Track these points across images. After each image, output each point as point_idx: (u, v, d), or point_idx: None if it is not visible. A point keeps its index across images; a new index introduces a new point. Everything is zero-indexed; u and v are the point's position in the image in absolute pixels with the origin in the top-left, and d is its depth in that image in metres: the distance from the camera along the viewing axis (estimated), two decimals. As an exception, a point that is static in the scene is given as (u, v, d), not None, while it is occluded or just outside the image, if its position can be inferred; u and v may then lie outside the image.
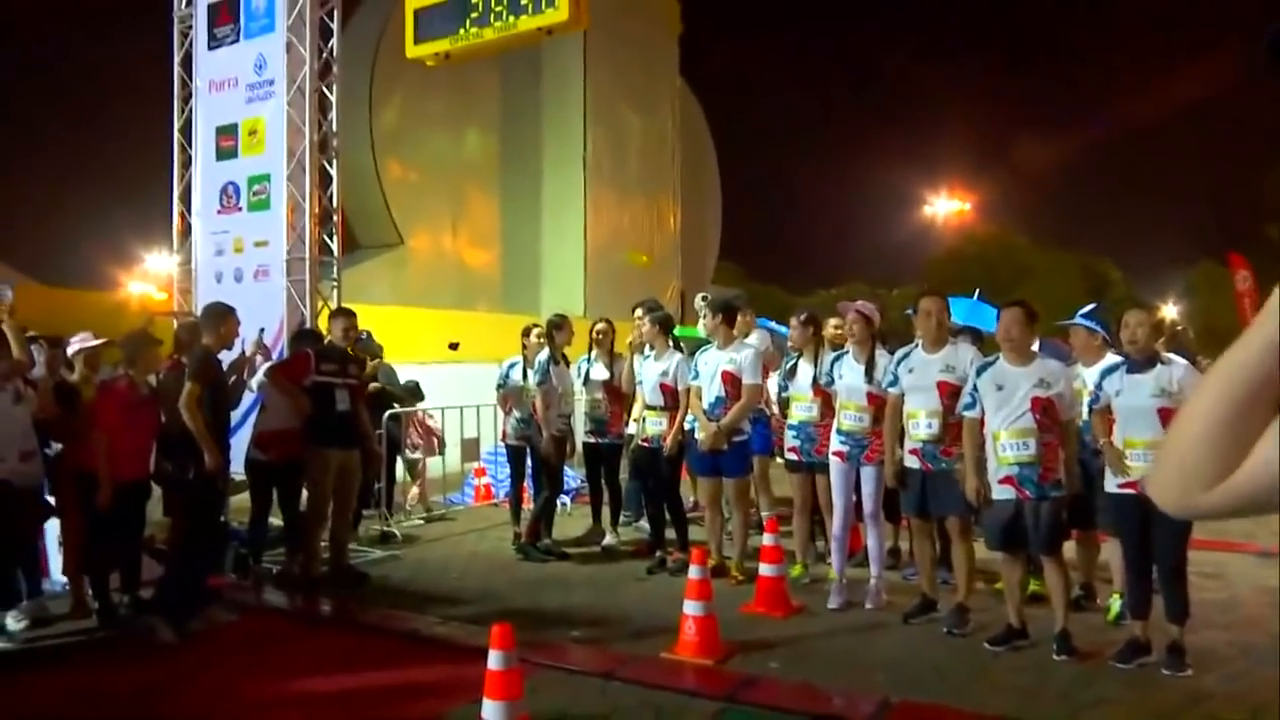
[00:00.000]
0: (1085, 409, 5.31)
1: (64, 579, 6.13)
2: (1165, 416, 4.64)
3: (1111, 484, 4.91)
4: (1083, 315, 5.94)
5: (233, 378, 6.41)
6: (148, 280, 29.73)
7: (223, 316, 6.04)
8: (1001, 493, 5.02)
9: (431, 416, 9.48)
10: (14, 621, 5.52)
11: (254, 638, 5.69)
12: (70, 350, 6.17)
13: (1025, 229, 37.55)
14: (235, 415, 7.05)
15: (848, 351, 6.06)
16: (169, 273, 8.99)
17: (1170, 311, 32.62)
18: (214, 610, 5.93)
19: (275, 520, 6.93)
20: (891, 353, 5.89)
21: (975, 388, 5.14)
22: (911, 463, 5.52)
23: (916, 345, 5.65)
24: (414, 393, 9.05)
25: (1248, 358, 0.94)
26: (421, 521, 8.82)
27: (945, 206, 35.52)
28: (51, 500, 5.93)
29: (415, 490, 9.36)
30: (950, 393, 5.38)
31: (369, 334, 8.43)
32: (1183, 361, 4.91)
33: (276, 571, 6.79)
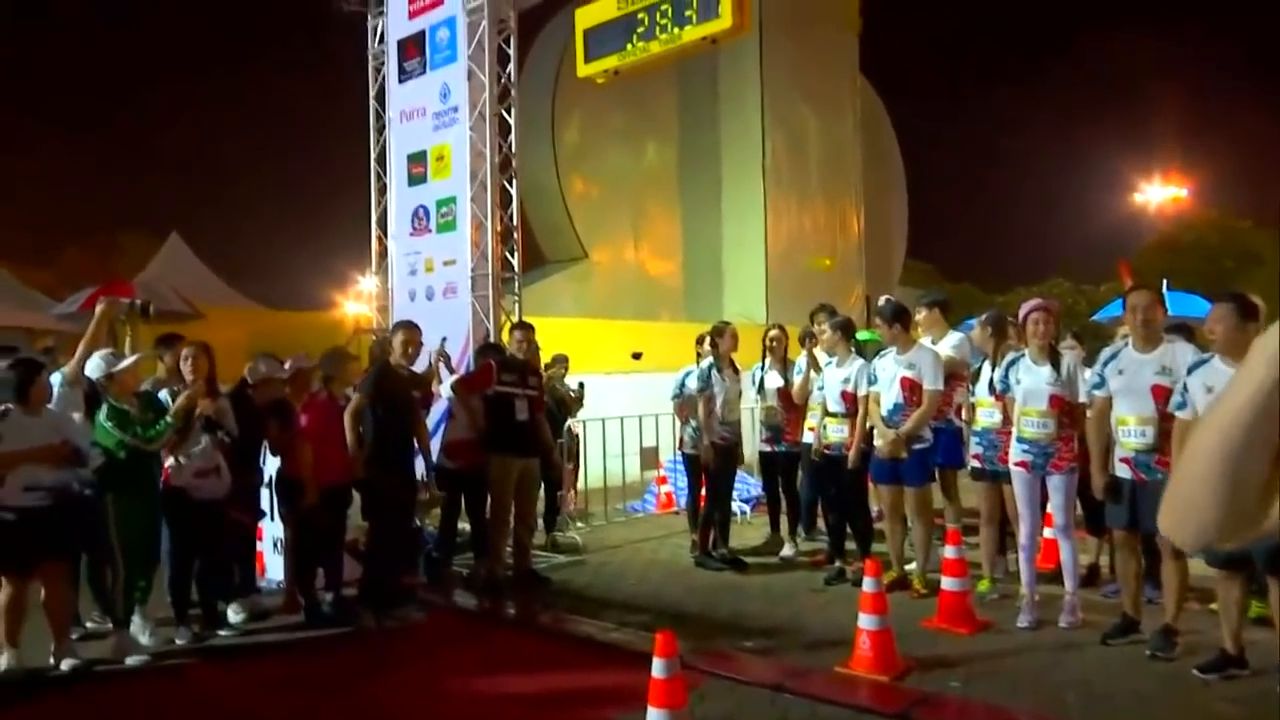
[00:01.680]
0: None
1: (279, 577, 6.68)
2: None
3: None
4: None
5: (417, 392, 6.78)
6: (361, 300, 31.99)
7: (402, 331, 6.42)
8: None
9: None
10: (234, 614, 6.08)
11: (441, 635, 5.99)
12: (286, 368, 6.70)
13: (1250, 211, 34.11)
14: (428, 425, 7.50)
15: (1023, 354, 5.70)
16: (377, 290, 9.65)
17: None
18: (407, 609, 6.29)
19: (464, 525, 7.27)
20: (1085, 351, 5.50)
21: (1185, 387, 4.72)
22: (1122, 472, 5.09)
23: (1125, 344, 5.23)
24: (579, 399, 9.21)
25: (1240, 403, 0.94)
26: (576, 533, 8.79)
27: (1158, 193, 32.84)
28: (265, 508, 6.48)
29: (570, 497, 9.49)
30: (1165, 397, 4.93)
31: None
32: None
33: (465, 575, 7.12)
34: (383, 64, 9.29)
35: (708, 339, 7.70)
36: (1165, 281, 7.67)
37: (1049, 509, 5.70)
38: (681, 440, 7.95)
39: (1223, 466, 0.95)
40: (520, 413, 6.87)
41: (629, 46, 7.35)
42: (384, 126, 9.28)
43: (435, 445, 7.28)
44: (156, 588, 5.72)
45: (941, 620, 5.55)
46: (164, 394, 5.81)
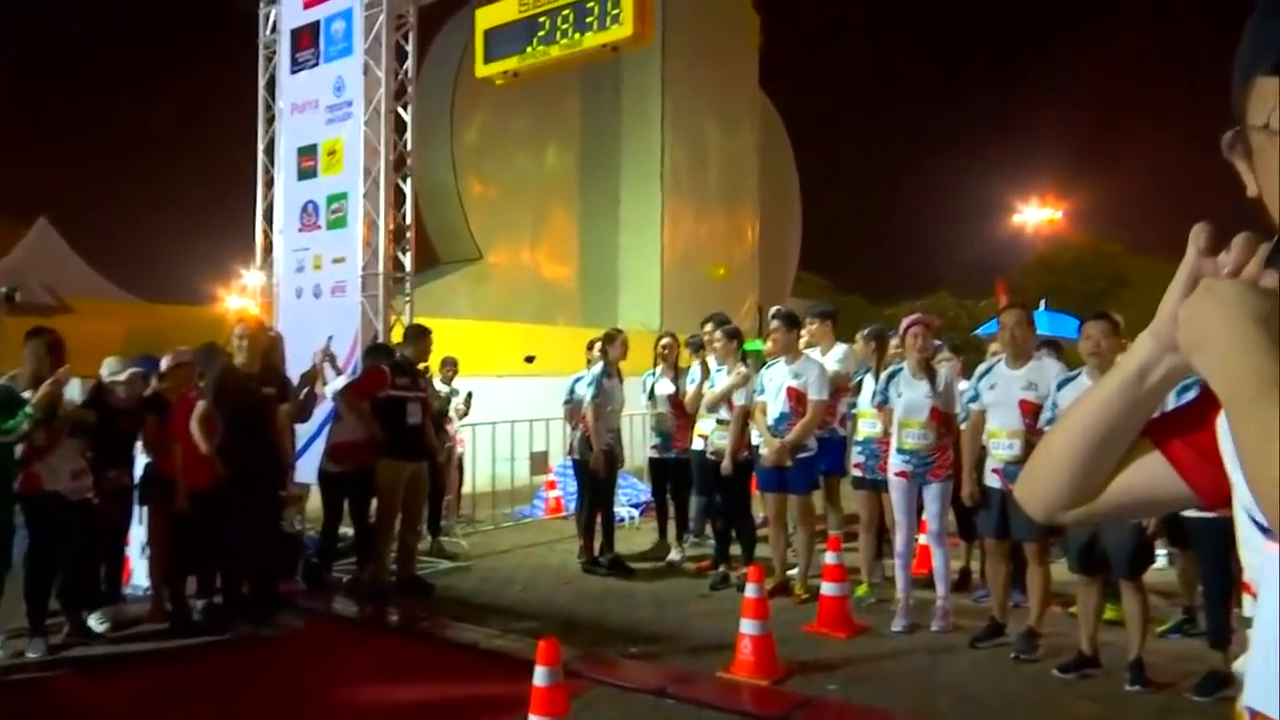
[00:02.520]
0: None
1: (145, 584, 6.38)
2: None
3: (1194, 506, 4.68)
4: None
5: (304, 390, 6.59)
6: (245, 295, 30.90)
7: (238, 328, 6.18)
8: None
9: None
10: (97, 623, 5.77)
11: (320, 643, 5.82)
12: (163, 365, 6.41)
13: (1120, 235, 36.11)
14: (310, 427, 7.30)
15: (903, 367, 5.91)
16: (262, 286, 9.30)
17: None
18: (285, 616, 6.10)
19: (347, 530, 7.10)
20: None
21: (1055, 404, 4.96)
22: (993, 482, 5.33)
23: (999, 360, 5.47)
24: (466, 407, 9.07)
25: (1108, 393, 1.02)
26: (463, 538, 8.68)
27: (1036, 214, 34.46)
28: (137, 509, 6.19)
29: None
30: (1032, 411, 5.18)
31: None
32: None
33: (347, 580, 6.95)
34: (274, 53, 9.00)
35: (598, 345, 7.74)
36: (1044, 301, 8.04)
37: (924, 516, 5.91)
38: (571, 445, 7.95)
39: (1083, 450, 1.03)
40: (412, 416, 6.75)
41: (529, 49, 7.31)
42: (274, 117, 8.99)
43: (320, 447, 7.10)
44: (8, 595, 5.38)
45: (821, 624, 5.69)
46: (28, 393, 5.49)
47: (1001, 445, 5.26)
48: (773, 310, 7.33)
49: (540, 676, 3.72)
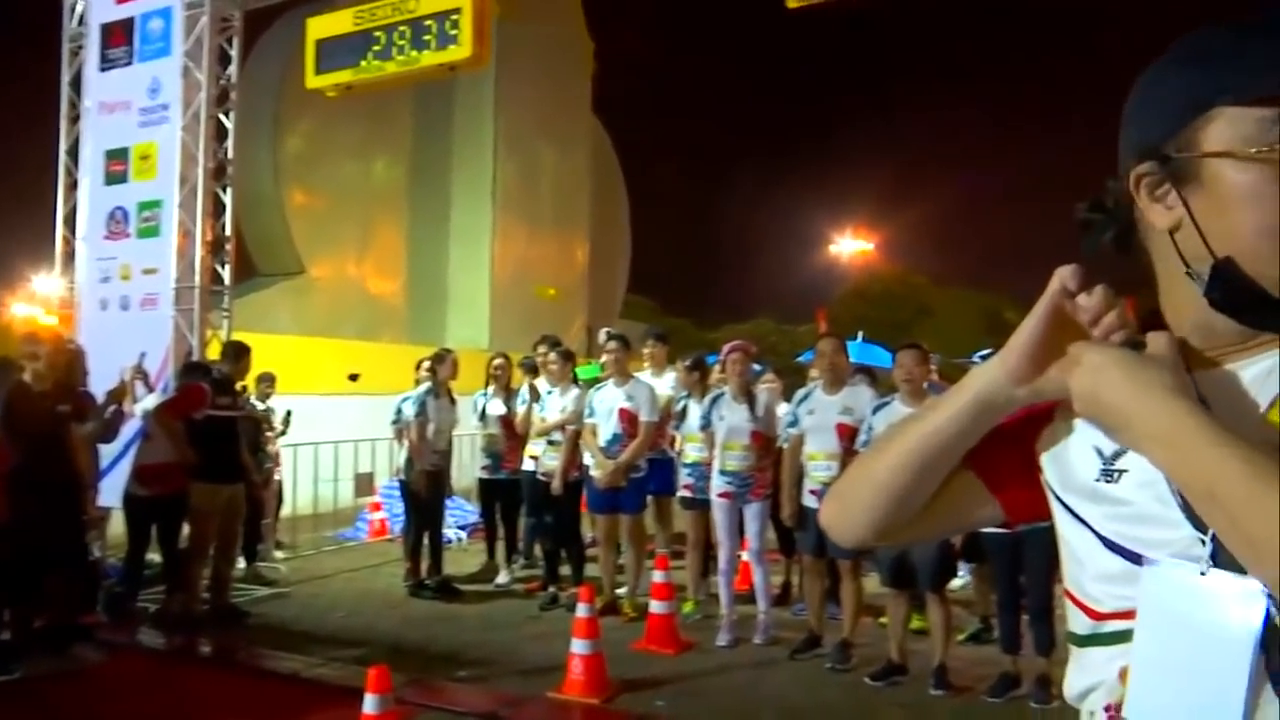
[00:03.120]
0: None
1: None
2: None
3: (987, 523, 5.09)
4: (980, 357, 6.18)
5: (110, 408, 6.18)
6: (35, 302, 28.45)
7: (30, 346, 5.76)
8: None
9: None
10: None
11: (124, 679, 5.45)
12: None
13: (925, 268, 38.79)
14: (115, 447, 6.84)
15: (724, 392, 6.16)
16: (60, 295, 8.59)
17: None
18: (83, 650, 5.67)
19: (152, 556, 6.67)
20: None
21: (871, 428, 5.29)
22: (811, 503, 5.61)
23: (815, 386, 5.78)
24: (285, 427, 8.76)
25: (937, 424, 1.00)
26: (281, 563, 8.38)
27: (850, 245, 36.50)
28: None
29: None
30: (849, 435, 5.51)
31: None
32: None
33: (154, 610, 6.53)
34: (81, 48, 8.42)
35: (425, 365, 7.66)
36: (860, 333, 8.54)
37: (745, 534, 6.16)
38: (399, 467, 7.80)
39: (907, 474, 1.02)
40: (231, 437, 6.46)
41: (363, 63, 7.18)
42: (79, 116, 8.41)
43: (125, 469, 6.66)
44: None
45: (650, 642, 5.82)
46: None
47: (820, 467, 5.57)
48: (608, 332, 7.47)
49: (370, 704, 3.65)
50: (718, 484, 6.05)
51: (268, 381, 8.56)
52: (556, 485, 6.80)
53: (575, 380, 7.22)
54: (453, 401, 7.55)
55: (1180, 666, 0.83)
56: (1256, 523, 0.74)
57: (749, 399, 6.01)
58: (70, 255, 8.35)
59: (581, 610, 5.09)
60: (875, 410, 5.34)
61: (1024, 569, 4.94)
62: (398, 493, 8.47)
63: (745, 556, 6.48)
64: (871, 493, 1.06)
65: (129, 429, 6.75)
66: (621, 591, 6.74)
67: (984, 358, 6.40)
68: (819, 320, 19.64)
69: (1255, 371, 0.88)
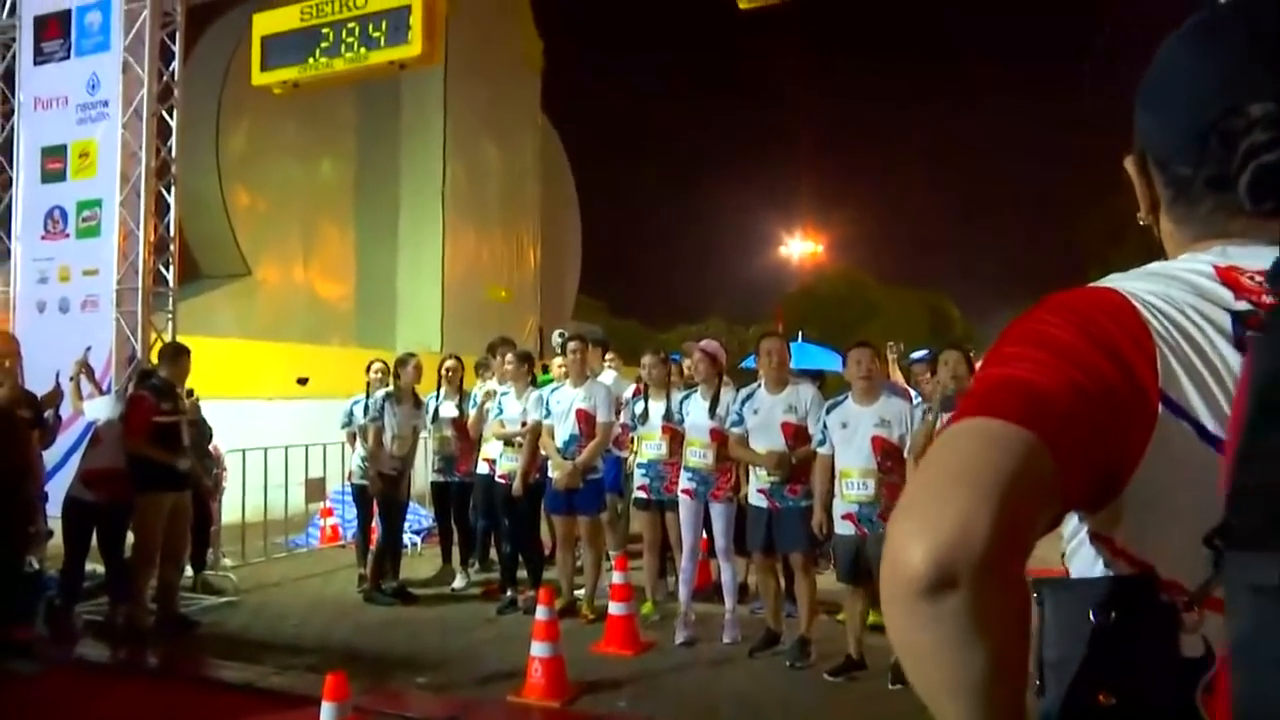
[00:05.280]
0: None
1: None
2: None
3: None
4: (918, 356, 6.26)
5: (46, 411, 5.98)
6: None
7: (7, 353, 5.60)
8: (843, 528, 5.21)
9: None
10: None
11: (62, 693, 5.26)
12: None
13: (873, 267, 39.35)
14: (56, 452, 6.64)
15: (696, 390, 6.19)
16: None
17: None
18: (18, 664, 5.46)
19: (93, 566, 6.48)
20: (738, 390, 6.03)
21: (825, 426, 5.32)
22: (758, 501, 5.65)
23: (759, 386, 5.81)
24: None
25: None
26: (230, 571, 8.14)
27: (799, 246, 36.89)
28: None
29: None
30: (793, 433, 5.55)
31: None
32: None
33: (99, 622, 6.34)
34: (13, 40, 8.16)
35: (383, 368, 7.55)
36: (800, 334, 8.65)
37: (710, 533, 6.17)
38: (351, 471, 7.67)
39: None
40: (184, 440, 6.31)
41: (311, 60, 7.05)
42: (12, 112, 8.14)
43: (64, 478, 6.46)
44: None
45: (609, 643, 5.79)
46: None
47: (760, 472, 5.61)
48: (561, 333, 7.43)
49: (327, 713, 3.57)
50: (682, 480, 6.09)
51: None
52: (517, 487, 6.74)
53: (534, 382, 7.16)
54: (417, 405, 7.45)
55: None
56: None
57: (713, 399, 6.02)
58: (5, 255, 8.08)
59: (541, 613, 5.05)
60: (828, 410, 5.37)
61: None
62: (349, 497, 8.34)
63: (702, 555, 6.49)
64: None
65: (70, 433, 6.56)
66: (580, 593, 6.70)
67: (921, 359, 6.54)
68: (779, 319, 19.71)
69: None
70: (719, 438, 5.95)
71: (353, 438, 7.57)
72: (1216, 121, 0.86)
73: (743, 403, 5.75)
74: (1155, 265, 0.93)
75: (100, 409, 6.35)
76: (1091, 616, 0.77)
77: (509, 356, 7.13)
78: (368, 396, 7.40)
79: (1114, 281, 0.89)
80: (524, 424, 6.76)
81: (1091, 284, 0.90)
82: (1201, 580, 0.74)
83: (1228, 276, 0.86)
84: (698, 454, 6.01)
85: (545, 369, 8.72)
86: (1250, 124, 0.84)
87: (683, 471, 6.09)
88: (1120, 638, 0.77)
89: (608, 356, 7.83)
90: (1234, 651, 0.69)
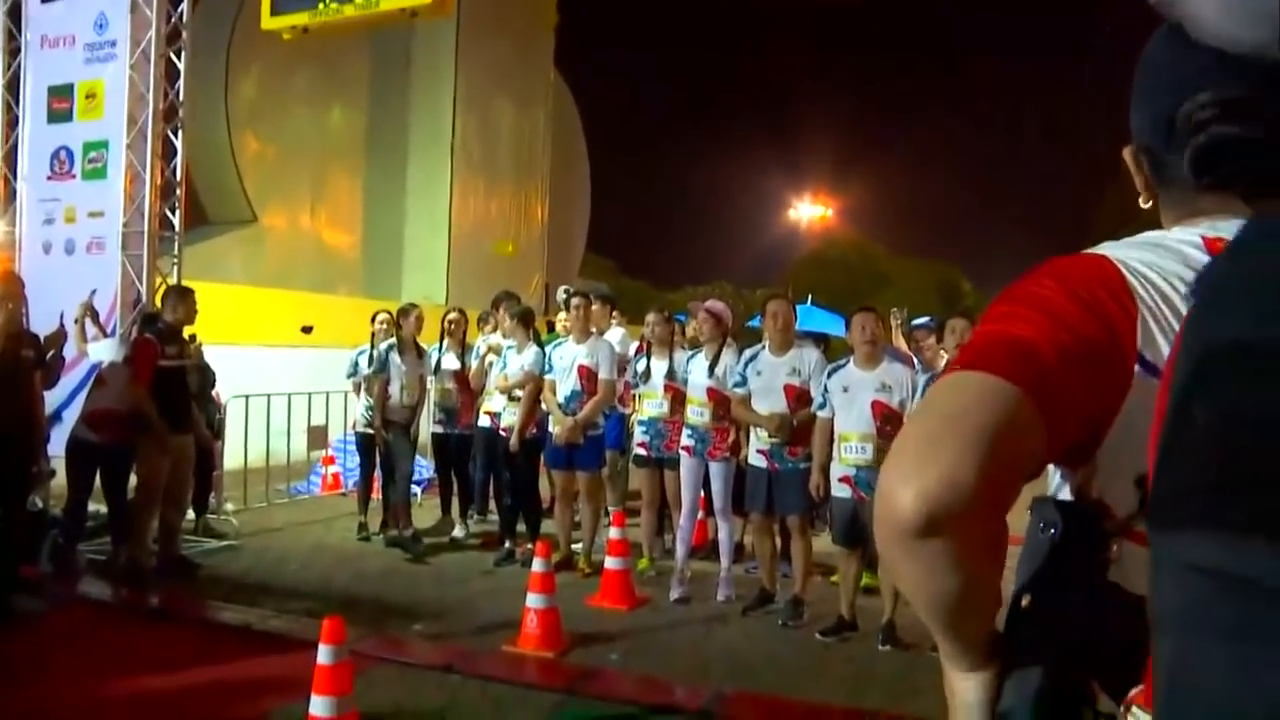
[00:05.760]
0: None
1: None
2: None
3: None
4: (916, 324, 6.25)
5: (49, 352, 6.00)
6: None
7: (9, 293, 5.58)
8: (840, 491, 5.24)
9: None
10: None
11: (67, 630, 5.35)
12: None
13: (883, 236, 39.11)
14: (57, 394, 6.66)
15: (701, 350, 6.19)
16: (-2, 238, 8.27)
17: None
18: (24, 601, 5.55)
19: (97, 507, 6.54)
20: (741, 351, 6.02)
21: (826, 389, 5.33)
22: (758, 462, 5.67)
23: (763, 347, 5.80)
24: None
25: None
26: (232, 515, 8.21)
27: (809, 211, 36.65)
28: None
29: None
30: (796, 395, 5.55)
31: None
32: None
33: (102, 562, 6.41)
34: (21, -23, 8.07)
35: (387, 318, 7.57)
36: (810, 298, 8.63)
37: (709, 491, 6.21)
38: (355, 420, 7.71)
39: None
40: (181, 385, 6.34)
41: (321, 5, 6.98)
42: (18, 49, 8.07)
43: (69, 418, 6.49)
44: None
45: (604, 598, 5.85)
46: None
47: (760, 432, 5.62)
48: (567, 289, 7.42)
49: (324, 655, 3.63)
50: (683, 438, 6.13)
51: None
52: (514, 442, 6.77)
53: (536, 338, 7.16)
54: (420, 355, 7.47)
55: None
56: None
57: (714, 359, 6.02)
58: (10, 196, 8.06)
59: (538, 565, 5.10)
60: (830, 374, 5.38)
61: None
62: (351, 446, 8.39)
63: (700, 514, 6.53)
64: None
65: (75, 374, 6.59)
66: (577, 547, 6.76)
67: (924, 325, 6.54)
68: (787, 286, 19.64)
69: None
70: (715, 396, 5.96)
71: (358, 388, 7.60)
72: (1178, 107, 0.93)
73: (746, 364, 5.75)
74: (1152, 234, 1.00)
75: (104, 351, 6.37)
76: (1039, 531, 0.87)
77: (506, 312, 7.14)
78: (372, 347, 7.42)
79: (1108, 249, 0.96)
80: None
81: (1087, 250, 0.97)
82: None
83: (1213, 247, 0.91)
84: (696, 412, 6.05)
85: (551, 326, 8.72)
86: (1197, 107, 0.90)
87: (684, 429, 6.13)
88: (1057, 552, 0.85)
89: (613, 314, 7.83)
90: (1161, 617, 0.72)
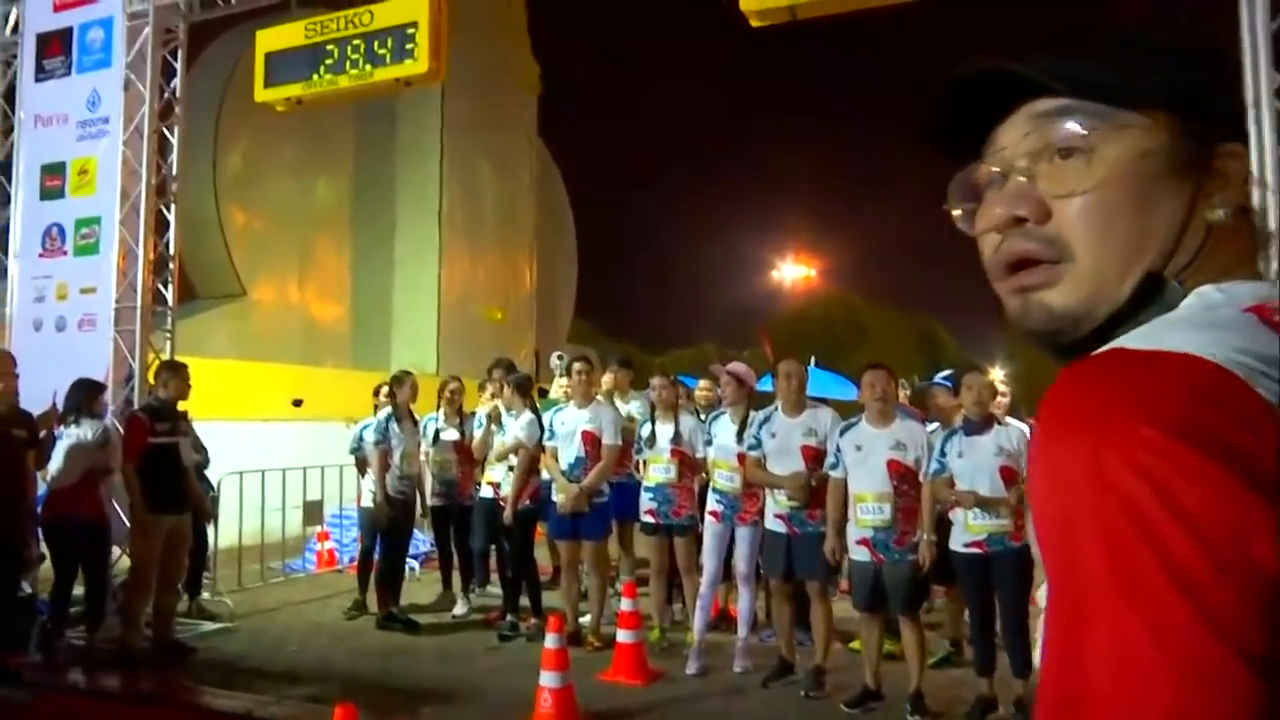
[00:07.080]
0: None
1: None
2: (1006, 475, 4.84)
3: (957, 543, 5.06)
4: (942, 378, 6.18)
5: (42, 431, 5.84)
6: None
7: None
8: (858, 554, 5.11)
9: None
10: None
11: (61, 724, 5.13)
12: None
13: (862, 290, 39.38)
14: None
15: (724, 412, 6.10)
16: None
17: (998, 374, 34.35)
18: (8, 692, 5.31)
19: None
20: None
21: (839, 448, 5.24)
22: (776, 526, 5.53)
23: (776, 409, 5.71)
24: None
25: None
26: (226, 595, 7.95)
27: (792, 271, 36.93)
28: None
29: None
30: (813, 456, 5.44)
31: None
32: (1017, 424, 5.14)
33: (87, 647, 6.16)
34: (15, 58, 8.07)
35: (382, 391, 7.47)
36: (813, 359, 8.59)
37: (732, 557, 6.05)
38: (360, 494, 7.55)
39: None
40: (184, 460, 6.19)
41: (315, 77, 6.97)
42: (12, 129, 8.04)
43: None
44: None
45: (617, 672, 5.66)
46: None
47: (784, 491, 5.50)
48: (560, 355, 7.35)
49: (338, 746, 3.44)
50: (710, 502, 6.00)
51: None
52: (507, 515, 6.64)
53: (533, 406, 7.05)
54: (415, 424, 7.35)
55: None
56: None
57: (741, 423, 5.91)
58: (1, 274, 7.96)
59: (550, 641, 4.92)
60: (842, 432, 5.29)
61: (995, 590, 4.91)
62: (346, 521, 8.21)
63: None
64: None
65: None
66: (585, 620, 6.56)
67: (945, 378, 6.46)
68: (763, 342, 19.70)
69: None
70: (745, 460, 5.85)
71: (361, 464, 7.45)
72: None
73: (760, 426, 5.65)
74: (1185, 312, 0.73)
75: (75, 433, 6.19)
76: None
77: (504, 380, 7.07)
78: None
79: (1181, 346, 0.64)
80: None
81: (1147, 354, 0.65)
82: None
83: (1264, 314, 0.68)
84: (725, 477, 5.92)
85: (544, 392, 8.61)
86: None
87: (710, 493, 6.01)
88: None
89: (608, 377, 7.63)
90: None
